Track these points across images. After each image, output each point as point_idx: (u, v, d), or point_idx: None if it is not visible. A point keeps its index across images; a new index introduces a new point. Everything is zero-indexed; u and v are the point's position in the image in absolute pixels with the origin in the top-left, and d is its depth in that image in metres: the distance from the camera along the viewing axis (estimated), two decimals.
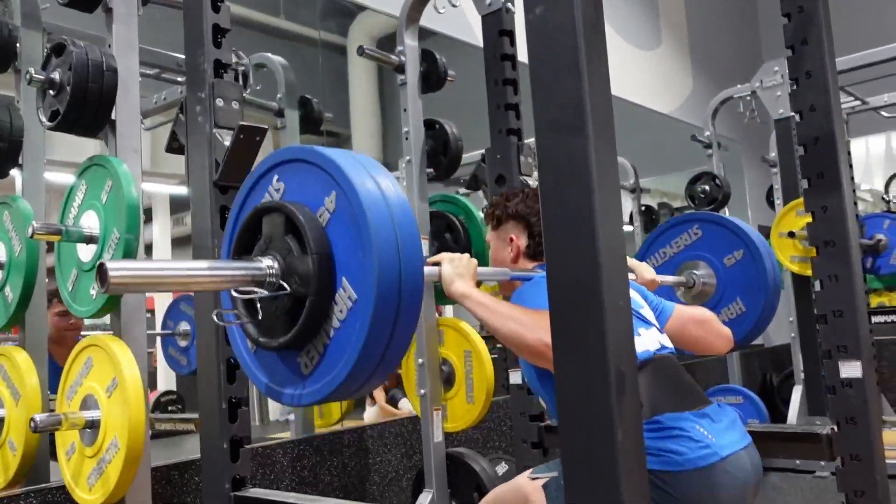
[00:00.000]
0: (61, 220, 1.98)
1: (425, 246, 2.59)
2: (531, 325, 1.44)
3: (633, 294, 1.79)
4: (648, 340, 1.68)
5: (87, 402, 1.84)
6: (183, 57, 2.82)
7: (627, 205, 5.00)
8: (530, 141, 2.47)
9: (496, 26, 2.53)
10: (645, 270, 2.03)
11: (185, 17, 1.72)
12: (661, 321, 1.83)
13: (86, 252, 1.90)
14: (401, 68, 2.68)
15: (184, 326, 3.37)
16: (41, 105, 1.91)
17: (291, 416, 3.01)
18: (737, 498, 1.52)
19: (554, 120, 1.03)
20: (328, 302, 1.13)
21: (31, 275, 2.11)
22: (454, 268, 1.53)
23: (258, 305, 1.17)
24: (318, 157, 1.15)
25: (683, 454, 1.46)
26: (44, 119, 1.89)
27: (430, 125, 2.79)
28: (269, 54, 3.20)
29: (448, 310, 3.73)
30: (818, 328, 1.82)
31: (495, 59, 2.45)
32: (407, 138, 2.64)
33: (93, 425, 1.81)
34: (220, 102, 1.65)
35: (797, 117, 1.81)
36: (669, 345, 1.76)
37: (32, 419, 1.79)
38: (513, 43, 2.47)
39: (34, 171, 2.29)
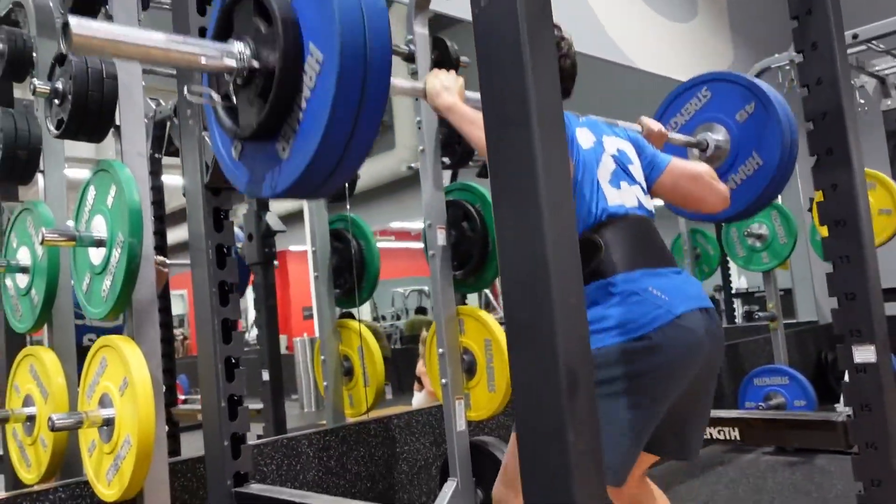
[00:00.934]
0: (76, 225, 2.04)
1: (441, 236, 2.59)
2: None
3: (627, 147, 1.77)
4: (627, 196, 1.66)
5: (104, 401, 1.90)
6: None
7: None
8: None
9: None
10: (651, 123, 1.97)
11: (173, 21, 1.74)
12: (653, 175, 1.79)
13: (96, 255, 1.95)
14: (411, 57, 2.66)
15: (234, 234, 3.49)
16: (48, 115, 1.96)
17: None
18: (693, 353, 1.52)
19: (500, 114, 1.01)
20: (297, 71, 1.11)
21: (53, 277, 2.18)
22: (440, 81, 1.54)
23: (231, 94, 1.18)
24: None
25: (634, 320, 1.47)
26: (51, 128, 1.94)
27: None
28: None
29: (471, 298, 3.72)
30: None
31: None
32: (420, 128, 2.63)
33: (109, 423, 1.87)
34: None
35: (805, 91, 1.73)
36: (649, 206, 1.73)
37: (49, 418, 1.86)
38: None
39: (55, 176, 2.36)
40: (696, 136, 2.12)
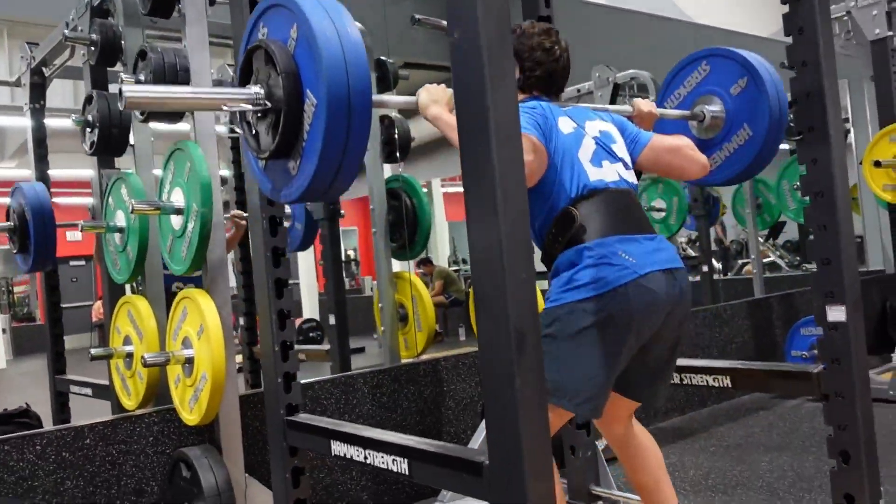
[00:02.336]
0: (159, 196, 2.40)
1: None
2: None
3: (609, 128, 1.96)
4: (608, 172, 1.86)
5: (185, 343, 2.28)
6: None
7: None
8: None
9: None
10: (642, 104, 2.14)
11: (231, 13, 2.02)
12: (636, 150, 1.98)
13: (176, 221, 2.31)
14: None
15: (285, 209, 3.89)
16: None
17: None
18: (653, 309, 1.74)
19: (467, 125, 1.26)
20: (299, 111, 1.39)
21: (144, 237, 2.57)
22: (429, 94, 1.74)
23: (252, 124, 1.48)
24: (285, 0, 1.43)
25: (603, 278, 1.70)
26: (136, 113, 2.29)
27: (382, 120, 3.23)
28: None
29: None
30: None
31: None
32: None
33: (189, 361, 2.25)
34: None
35: (792, 72, 1.88)
36: (631, 179, 1.92)
37: (142, 356, 2.25)
38: (548, 5, 2.60)
39: (144, 150, 2.73)
40: (695, 106, 2.26)
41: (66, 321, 3.76)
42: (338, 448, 1.75)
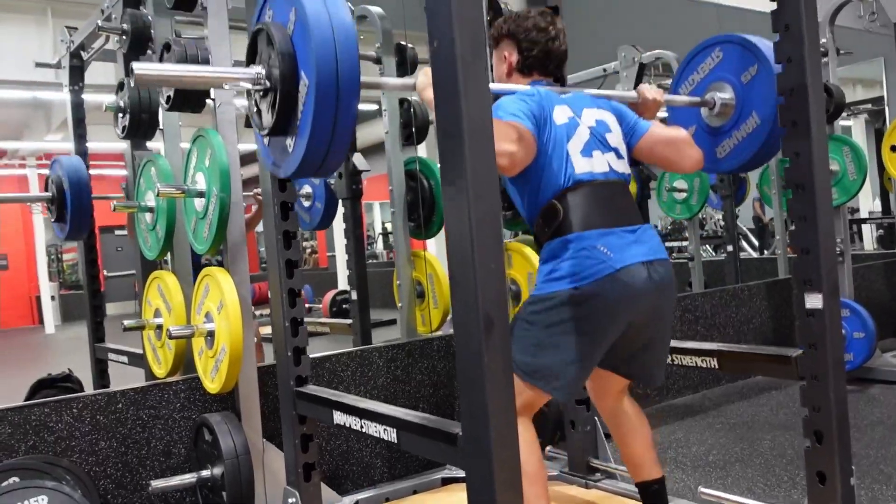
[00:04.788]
0: (184, 180, 2.56)
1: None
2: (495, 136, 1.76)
3: (607, 117, 2.02)
4: (598, 163, 1.93)
5: (208, 317, 2.45)
6: None
7: None
8: None
9: None
10: (647, 91, 2.17)
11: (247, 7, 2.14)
12: (633, 140, 2.05)
13: (199, 204, 2.47)
14: (378, 60, 3.15)
15: (306, 189, 4.10)
16: (160, 91, 2.46)
17: None
18: (628, 301, 1.83)
19: (444, 128, 1.38)
20: (294, 90, 1.48)
21: (172, 217, 2.73)
22: (427, 77, 1.77)
23: (256, 101, 1.59)
24: None
25: (582, 271, 1.79)
26: (162, 101, 2.44)
27: (400, 103, 3.37)
28: (370, 7, 3.58)
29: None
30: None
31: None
32: (385, 113, 3.15)
33: (211, 334, 2.42)
34: None
35: (779, 67, 1.95)
36: (622, 170, 1.98)
37: (168, 329, 2.43)
38: None
39: (172, 135, 2.89)
40: (707, 93, 2.29)
41: (111, 289, 3.99)
42: (339, 418, 1.90)
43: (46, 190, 3.38)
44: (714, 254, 9.49)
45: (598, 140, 1.96)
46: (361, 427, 1.80)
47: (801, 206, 1.92)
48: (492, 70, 2.20)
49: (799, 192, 1.92)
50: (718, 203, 6.06)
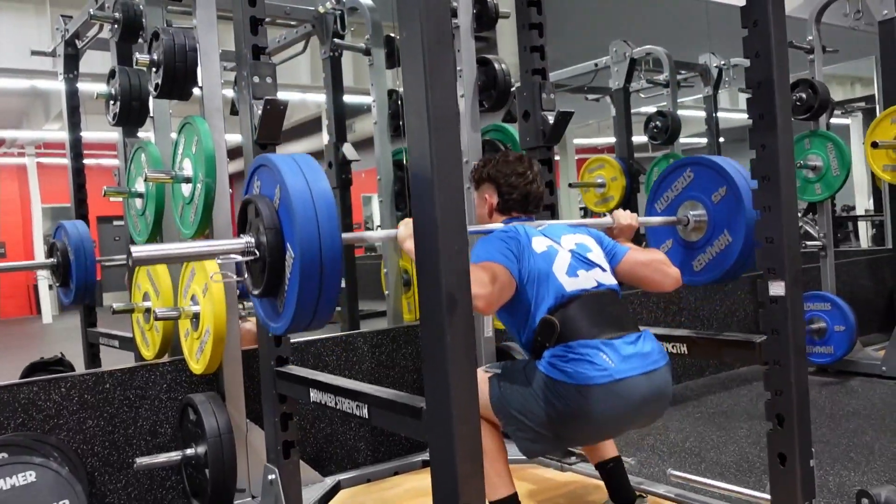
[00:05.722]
0: (172, 166, 2.62)
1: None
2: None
3: (585, 240, 2.13)
4: (585, 280, 2.02)
5: (194, 300, 2.51)
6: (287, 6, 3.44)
7: None
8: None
9: None
10: (621, 217, 2.31)
11: (233, 11, 2.21)
12: (613, 263, 2.15)
13: (186, 189, 2.53)
14: (454, 13, 3.04)
15: None
16: (149, 79, 2.52)
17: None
18: (624, 413, 1.90)
19: (411, 115, 1.44)
20: (282, 261, 1.57)
21: (160, 202, 2.79)
22: (407, 229, 1.88)
23: (245, 267, 1.69)
24: (270, 161, 1.62)
25: (582, 374, 1.85)
26: (151, 89, 2.50)
27: (482, 62, 3.15)
28: None
29: None
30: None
31: (523, 5, 2.73)
32: (460, 76, 3.02)
33: (196, 316, 2.49)
34: (255, 79, 2.16)
35: (748, 62, 2.01)
36: (609, 282, 2.07)
37: (154, 311, 2.50)
38: (540, 12, 2.72)
39: (162, 122, 2.94)
40: (681, 209, 2.40)
41: (107, 279, 4.02)
42: (315, 395, 1.97)
43: (51, 255, 3.31)
44: None
45: (580, 260, 2.05)
46: (336, 404, 1.86)
47: (766, 196, 1.98)
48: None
49: (764, 182, 1.98)
50: None
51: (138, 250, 1.54)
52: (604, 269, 2.09)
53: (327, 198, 1.55)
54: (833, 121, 8.12)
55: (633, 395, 1.88)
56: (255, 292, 1.69)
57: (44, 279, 12.51)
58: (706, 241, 2.37)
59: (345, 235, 1.66)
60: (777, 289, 1.98)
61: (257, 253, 1.62)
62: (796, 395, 1.97)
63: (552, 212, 2.77)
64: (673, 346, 2.30)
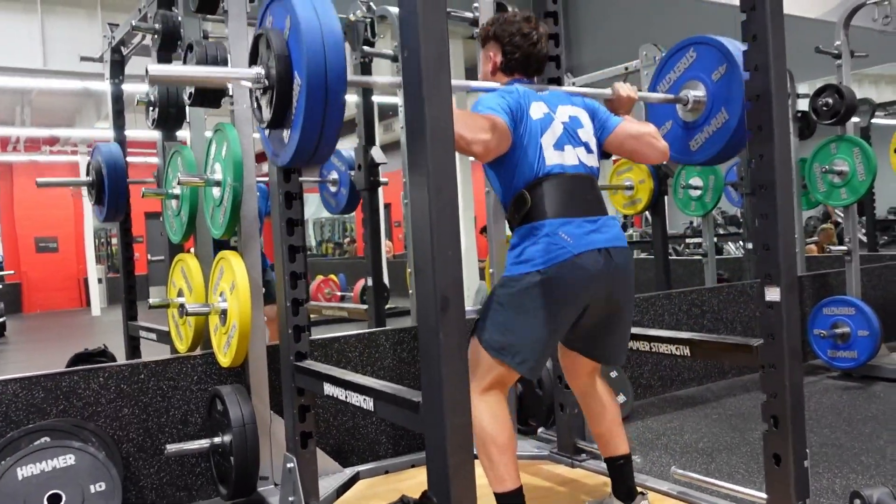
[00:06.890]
0: (204, 170, 2.78)
1: None
2: (471, 125, 1.92)
3: (580, 113, 2.18)
4: (568, 157, 2.10)
5: (222, 296, 2.66)
6: None
7: None
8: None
9: None
10: (621, 89, 2.33)
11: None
12: (603, 135, 2.22)
13: (216, 192, 2.69)
14: (476, 22, 3.14)
15: (333, 175, 4.34)
16: (184, 88, 2.68)
17: None
18: (585, 284, 1.99)
19: (411, 127, 1.55)
20: (289, 89, 1.65)
21: (194, 203, 2.96)
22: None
23: (257, 98, 1.77)
24: None
25: (545, 256, 1.96)
26: (185, 98, 2.66)
27: None
28: (389, 7, 3.76)
29: None
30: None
31: (541, 15, 2.82)
32: None
33: (224, 312, 2.64)
34: None
35: (747, 75, 2.07)
36: (590, 163, 2.14)
37: (184, 306, 2.66)
38: (556, 0, 2.82)
39: (198, 127, 3.11)
40: (682, 90, 2.44)
41: (154, 273, 4.21)
42: (328, 389, 2.09)
43: (88, 175, 3.63)
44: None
45: (570, 135, 2.12)
46: (346, 397, 1.99)
47: (763, 204, 2.05)
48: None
49: (762, 191, 2.05)
50: (739, 201, 6.12)
51: (155, 69, 1.66)
52: (589, 150, 2.16)
53: (335, 30, 1.64)
54: (877, 121, 8.02)
55: (592, 267, 1.98)
56: (264, 124, 1.77)
57: (93, 274, 12.94)
58: (704, 120, 2.39)
59: (351, 77, 1.71)
60: (773, 295, 2.05)
61: (267, 82, 1.71)
62: (790, 398, 2.03)
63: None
64: (676, 348, 2.37)
